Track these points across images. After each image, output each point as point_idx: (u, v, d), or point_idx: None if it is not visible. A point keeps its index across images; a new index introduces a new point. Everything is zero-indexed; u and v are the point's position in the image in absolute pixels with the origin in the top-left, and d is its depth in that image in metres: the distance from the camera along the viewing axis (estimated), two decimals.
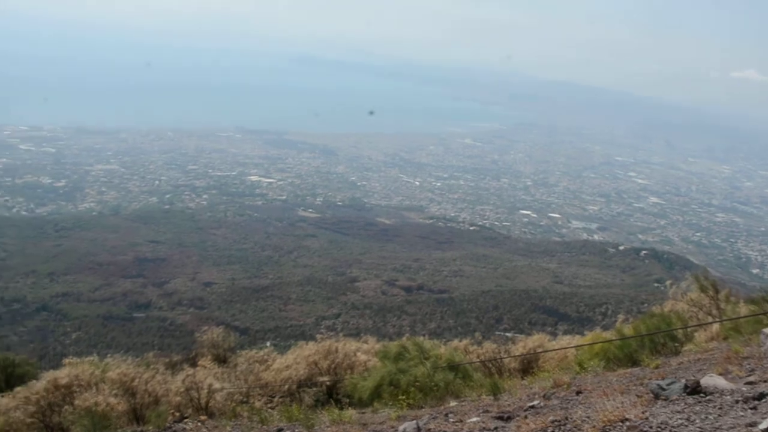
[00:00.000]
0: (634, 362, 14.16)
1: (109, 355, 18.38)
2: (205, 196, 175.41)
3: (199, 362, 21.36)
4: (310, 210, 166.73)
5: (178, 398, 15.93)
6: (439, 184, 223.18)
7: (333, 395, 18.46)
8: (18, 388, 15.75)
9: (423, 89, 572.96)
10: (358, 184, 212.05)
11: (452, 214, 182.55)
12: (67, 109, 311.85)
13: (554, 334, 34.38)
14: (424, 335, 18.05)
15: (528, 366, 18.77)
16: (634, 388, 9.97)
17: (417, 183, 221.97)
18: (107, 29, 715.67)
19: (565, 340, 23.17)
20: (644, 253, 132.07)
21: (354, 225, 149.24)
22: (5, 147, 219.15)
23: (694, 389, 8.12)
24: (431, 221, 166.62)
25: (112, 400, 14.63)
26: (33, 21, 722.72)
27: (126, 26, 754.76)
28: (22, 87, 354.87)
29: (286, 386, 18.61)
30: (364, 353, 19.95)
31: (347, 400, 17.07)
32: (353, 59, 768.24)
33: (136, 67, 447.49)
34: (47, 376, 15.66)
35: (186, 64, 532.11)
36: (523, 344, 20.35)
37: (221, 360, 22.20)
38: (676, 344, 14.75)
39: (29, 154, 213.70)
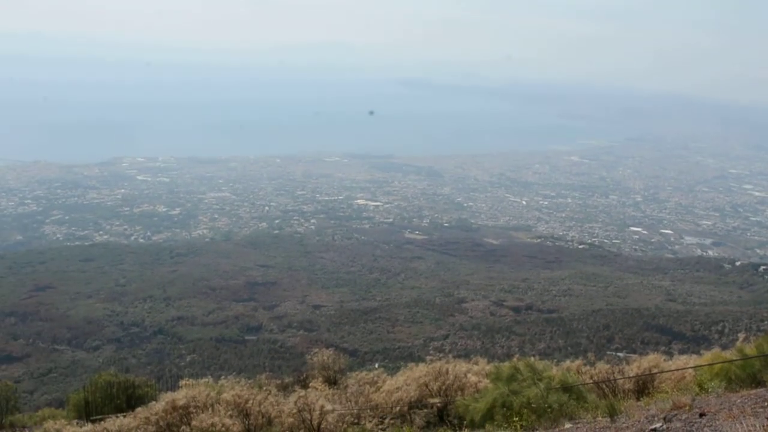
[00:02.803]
0: (758, 383, 13.51)
1: (222, 377, 18.73)
2: (313, 221, 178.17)
3: (310, 384, 21.53)
4: (417, 232, 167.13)
5: (290, 419, 16.04)
6: (546, 202, 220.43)
7: (444, 417, 18.28)
8: (138, 409, 16.21)
9: (526, 108, 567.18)
10: (465, 204, 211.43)
11: (560, 233, 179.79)
12: (179, 141, 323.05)
13: (669, 354, 33.26)
14: (533, 356, 17.66)
15: (643, 387, 18.16)
16: (761, 410, 9.49)
17: (524, 202, 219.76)
18: (214, 68, 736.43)
19: (682, 360, 22.34)
20: (763, 269, 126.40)
21: (461, 246, 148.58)
22: (124, 178, 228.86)
23: None
24: (539, 240, 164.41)
25: (228, 421, 14.86)
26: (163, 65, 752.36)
27: (232, 64, 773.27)
28: (139, 123, 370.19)
29: (397, 408, 18.53)
30: (474, 375, 19.69)
31: (459, 422, 16.87)
32: (456, 81, 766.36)
33: (246, 102, 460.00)
34: (165, 398, 16.06)
35: (296, 96, 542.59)
36: (638, 364, 19.70)
37: (332, 382, 22.32)
38: None
39: (146, 184, 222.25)
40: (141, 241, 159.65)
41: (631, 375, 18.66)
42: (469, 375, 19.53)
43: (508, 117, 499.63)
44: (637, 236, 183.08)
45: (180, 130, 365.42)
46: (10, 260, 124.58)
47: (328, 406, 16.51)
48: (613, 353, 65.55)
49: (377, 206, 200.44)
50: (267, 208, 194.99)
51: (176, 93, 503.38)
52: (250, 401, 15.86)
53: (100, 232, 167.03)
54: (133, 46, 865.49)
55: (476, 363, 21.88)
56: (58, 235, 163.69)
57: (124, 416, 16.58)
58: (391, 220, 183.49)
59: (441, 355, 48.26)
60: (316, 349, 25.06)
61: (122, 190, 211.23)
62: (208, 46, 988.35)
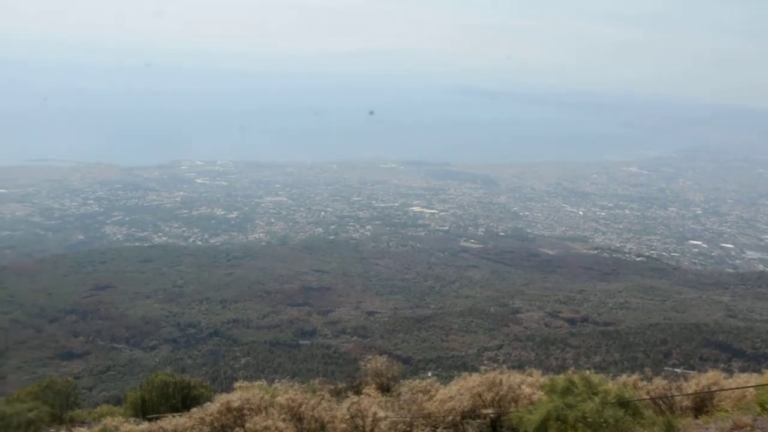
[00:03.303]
0: None
1: (276, 380, 18.85)
2: (368, 227, 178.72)
3: (363, 390, 21.55)
4: (472, 240, 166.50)
5: (343, 425, 16.09)
6: (603, 213, 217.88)
7: (497, 428, 18.16)
8: (194, 409, 16.39)
9: (581, 116, 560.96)
10: (521, 214, 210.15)
11: (617, 245, 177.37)
12: (237, 145, 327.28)
13: (729, 372, 32.54)
14: (588, 369, 17.42)
15: (701, 405, 17.81)
16: None
17: (580, 213, 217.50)
18: (270, 76, 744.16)
19: (742, 379, 21.81)
20: None
21: (516, 255, 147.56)
22: (183, 181, 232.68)
23: None
24: (596, 252, 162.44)
25: (281, 424, 14.96)
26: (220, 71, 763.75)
27: (290, 72, 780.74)
28: (198, 125, 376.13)
29: (450, 417, 18.45)
30: (528, 386, 19.51)
31: None
32: (506, 88, 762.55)
33: (302, 110, 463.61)
34: (220, 399, 16.21)
35: (350, 103, 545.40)
36: (696, 381, 19.30)
37: (385, 389, 22.32)
38: None
39: (204, 187, 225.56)
40: (199, 243, 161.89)
41: (689, 392, 18.32)
42: (523, 386, 19.36)
43: (563, 125, 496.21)
44: (696, 250, 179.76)
45: (238, 135, 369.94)
46: (72, 259, 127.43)
47: (381, 413, 16.52)
48: (671, 369, 64.45)
49: (433, 214, 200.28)
50: (323, 213, 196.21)
51: (236, 100, 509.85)
52: (304, 406, 15.94)
53: (159, 234, 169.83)
54: (194, 54, 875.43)
55: (530, 374, 21.68)
56: (119, 236, 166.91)
57: (180, 416, 16.79)
58: (446, 228, 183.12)
59: (495, 365, 48.05)
60: (370, 356, 25.07)
61: (181, 193, 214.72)
62: (263, 55, 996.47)
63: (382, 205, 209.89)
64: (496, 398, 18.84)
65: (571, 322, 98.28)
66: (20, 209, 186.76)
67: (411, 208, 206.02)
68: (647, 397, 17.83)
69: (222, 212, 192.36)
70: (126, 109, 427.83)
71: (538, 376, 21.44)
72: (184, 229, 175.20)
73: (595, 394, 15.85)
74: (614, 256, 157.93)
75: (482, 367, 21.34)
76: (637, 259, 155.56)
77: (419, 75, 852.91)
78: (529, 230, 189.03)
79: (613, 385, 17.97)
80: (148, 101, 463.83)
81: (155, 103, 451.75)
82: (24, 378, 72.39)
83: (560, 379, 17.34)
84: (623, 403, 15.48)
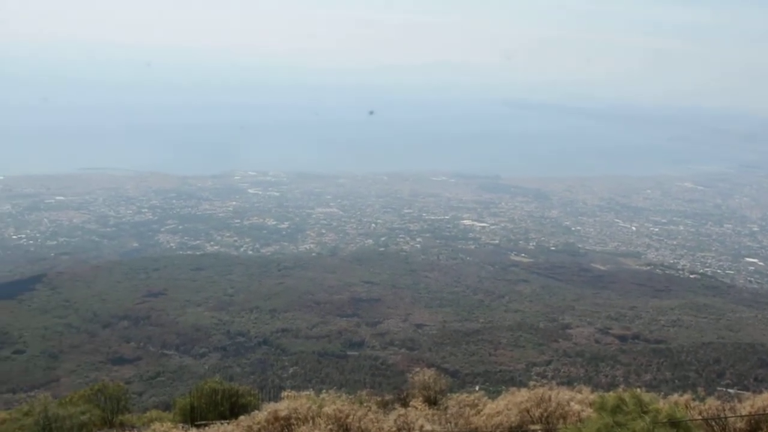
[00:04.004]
0: None
1: (323, 391, 18.88)
2: (419, 239, 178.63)
3: (411, 403, 21.48)
4: (523, 255, 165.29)
5: None
6: (656, 229, 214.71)
7: None
8: (241, 417, 16.49)
9: (632, 129, 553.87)
10: (572, 228, 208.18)
11: (671, 261, 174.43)
12: (290, 156, 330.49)
13: None
14: (639, 387, 17.14)
15: (756, 427, 17.39)
16: None
17: (633, 228, 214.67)
18: (324, 89, 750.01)
19: None
20: None
21: (567, 270, 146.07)
22: (236, 191, 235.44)
23: None
24: (648, 268, 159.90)
25: None
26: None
27: (341, 84, 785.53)
28: (253, 139, 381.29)
29: None
30: (577, 403, 19.26)
31: None
32: (555, 101, 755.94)
33: (356, 122, 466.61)
34: (268, 408, 16.28)
35: (401, 115, 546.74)
36: (751, 402, 18.87)
37: (432, 402, 22.22)
38: None
39: (256, 197, 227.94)
40: (250, 252, 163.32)
41: (743, 413, 17.92)
42: (572, 403, 19.11)
43: (611, 138, 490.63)
44: (752, 267, 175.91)
45: (290, 147, 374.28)
46: (126, 266, 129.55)
47: (428, 426, 16.43)
48: (724, 389, 63.10)
49: (483, 227, 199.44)
50: (373, 225, 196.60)
51: (287, 111, 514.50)
52: (351, 417, 15.93)
53: (211, 243, 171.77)
54: (257, 68, 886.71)
55: (580, 391, 21.39)
56: (172, 244, 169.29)
57: (228, 423, 16.91)
58: (497, 241, 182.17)
59: (543, 381, 47.46)
60: (418, 368, 25.03)
61: (234, 203, 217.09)
62: (321, 68, 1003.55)
63: (433, 217, 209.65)
64: (545, 414, 18.64)
65: (622, 338, 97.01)
66: (77, 216, 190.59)
67: (462, 221, 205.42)
68: (699, 417, 17.50)
69: (273, 222, 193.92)
70: (183, 122, 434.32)
71: (587, 393, 21.14)
72: (235, 238, 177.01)
73: (646, 413, 15.58)
74: (667, 272, 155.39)
75: (531, 383, 21.08)
76: (691, 276, 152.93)
77: (469, 88, 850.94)
78: (580, 245, 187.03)
79: (664, 404, 17.65)
80: (206, 114, 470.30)
81: (213, 115, 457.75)
82: (77, 381, 73.74)
83: (610, 396, 17.09)
84: (675, 423, 15.19)
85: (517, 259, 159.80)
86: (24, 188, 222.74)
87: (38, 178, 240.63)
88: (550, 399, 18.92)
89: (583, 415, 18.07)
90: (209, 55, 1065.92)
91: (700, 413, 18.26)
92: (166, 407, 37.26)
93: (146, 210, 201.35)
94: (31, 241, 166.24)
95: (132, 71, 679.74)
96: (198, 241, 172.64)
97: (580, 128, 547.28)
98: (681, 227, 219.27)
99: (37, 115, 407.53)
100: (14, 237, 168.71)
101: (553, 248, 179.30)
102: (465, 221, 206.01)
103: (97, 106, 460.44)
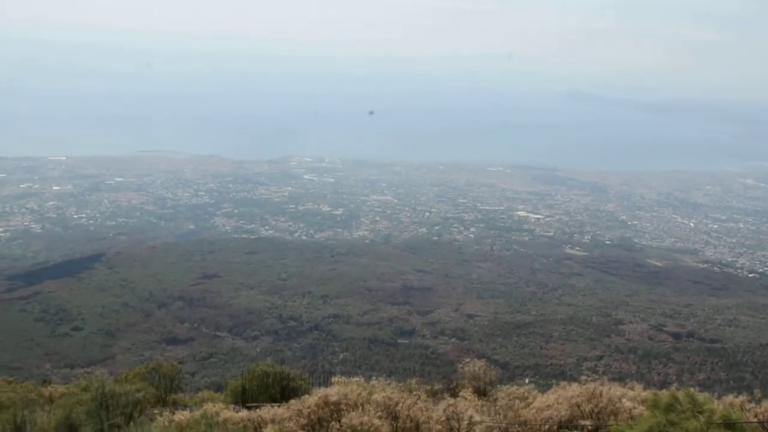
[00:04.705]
0: None
1: (373, 378, 18.93)
2: (472, 229, 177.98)
3: (460, 393, 21.43)
4: (577, 248, 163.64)
5: (438, 426, 16.02)
6: (715, 226, 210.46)
7: None
8: (292, 401, 16.61)
9: (690, 123, 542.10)
10: (629, 223, 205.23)
11: (729, 259, 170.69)
12: (347, 143, 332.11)
13: None
14: (692, 386, 16.84)
15: None
16: None
17: (691, 224, 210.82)
18: (381, 78, 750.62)
19: None
20: None
21: (622, 265, 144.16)
22: (292, 176, 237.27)
23: None
24: (705, 265, 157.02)
25: (377, 421, 15.00)
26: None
27: (402, 74, 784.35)
28: (311, 127, 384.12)
29: (546, 426, 18.17)
30: (629, 400, 19.01)
31: None
32: (609, 93, 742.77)
33: (413, 112, 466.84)
34: (318, 392, 16.37)
35: (459, 105, 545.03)
36: None
37: (481, 393, 22.14)
38: None
39: (312, 183, 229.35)
40: (304, 238, 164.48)
41: None
42: (623, 400, 18.87)
43: (670, 131, 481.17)
44: None
45: (345, 135, 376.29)
46: (182, 248, 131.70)
47: (477, 417, 16.38)
48: None
49: (538, 219, 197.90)
50: (428, 213, 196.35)
51: (352, 101, 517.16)
52: (400, 404, 15.94)
53: (266, 227, 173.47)
54: (317, 59, 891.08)
55: (632, 388, 21.12)
56: (227, 227, 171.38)
57: (278, 406, 17.04)
58: (551, 234, 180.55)
59: (594, 376, 46.98)
60: (468, 359, 24.96)
61: (289, 188, 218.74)
62: (377, 58, 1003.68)
63: (488, 208, 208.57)
64: (595, 410, 18.45)
65: (676, 336, 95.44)
66: (136, 197, 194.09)
67: (516, 213, 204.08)
68: (755, 420, 17.15)
69: (328, 209, 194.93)
70: (244, 110, 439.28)
71: (639, 390, 20.85)
72: (290, 223, 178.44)
73: (700, 413, 15.33)
74: (725, 270, 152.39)
75: (582, 378, 20.86)
76: (750, 275, 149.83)
77: (526, 78, 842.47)
78: (636, 240, 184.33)
79: (718, 404, 17.34)
80: (269, 102, 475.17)
81: (276, 103, 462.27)
82: (131, 359, 75.31)
83: (664, 394, 16.84)
84: (729, 425, 14.92)
85: (572, 252, 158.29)
86: (86, 169, 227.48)
87: (99, 159, 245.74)
88: (601, 395, 18.72)
89: (635, 412, 17.85)
90: (276, 45, 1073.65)
91: (755, 416, 17.90)
92: (218, 388, 37.78)
93: (203, 193, 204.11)
94: (91, 221, 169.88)
95: (203, 62, 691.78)
96: (253, 225, 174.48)
97: (635, 120, 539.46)
98: (741, 225, 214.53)
99: (104, 102, 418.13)
100: (75, 216, 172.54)
101: (608, 242, 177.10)
102: (519, 212, 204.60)
103: (163, 95, 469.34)
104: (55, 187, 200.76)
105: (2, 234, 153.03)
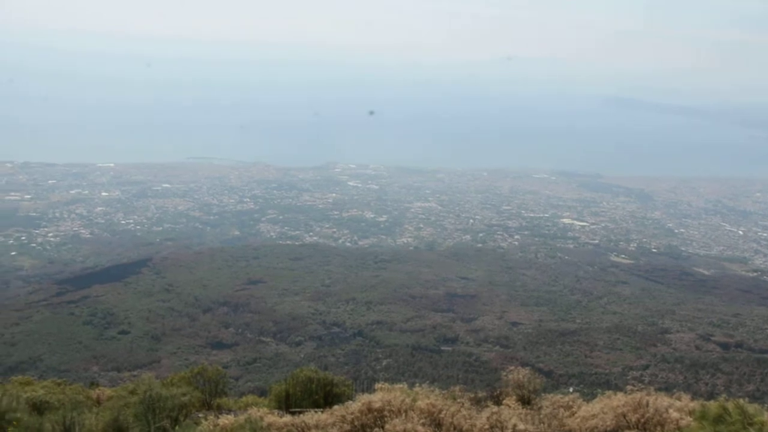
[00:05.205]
0: None
1: (416, 384, 18.90)
2: (516, 237, 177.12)
3: (504, 401, 21.31)
4: (623, 256, 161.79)
5: None
6: (766, 234, 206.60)
7: None
8: (335, 407, 16.66)
9: (737, 129, 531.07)
10: (675, 231, 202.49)
11: None
12: (390, 150, 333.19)
13: None
14: (741, 397, 16.53)
15: None
16: None
17: (740, 232, 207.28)
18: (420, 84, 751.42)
19: None
20: None
21: (669, 274, 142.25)
22: (336, 183, 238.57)
23: None
24: (755, 274, 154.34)
25: (420, 428, 14.99)
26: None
27: (439, 80, 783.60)
28: (353, 133, 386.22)
29: None
30: (676, 410, 18.75)
31: None
32: (653, 97, 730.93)
33: (452, 118, 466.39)
34: (362, 399, 16.40)
35: (498, 110, 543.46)
36: None
37: (525, 401, 21.99)
38: None
39: (356, 190, 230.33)
40: (348, 244, 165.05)
41: None
42: (670, 410, 18.61)
43: (715, 136, 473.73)
44: None
45: (390, 141, 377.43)
46: (227, 253, 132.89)
47: (521, 426, 16.29)
48: None
49: (583, 226, 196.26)
50: (471, 220, 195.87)
51: (393, 107, 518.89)
52: (444, 412, 15.92)
53: (310, 233, 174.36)
54: (356, 66, 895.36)
55: (679, 398, 20.78)
56: (272, 233, 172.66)
57: (322, 412, 17.11)
58: (596, 241, 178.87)
59: (640, 385, 46.51)
60: (512, 367, 24.80)
61: (333, 195, 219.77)
62: (413, 63, 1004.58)
63: (532, 215, 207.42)
64: (642, 420, 18.23)
65: (724, 346, 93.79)
66: (182, 203, 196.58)
67: (561, 220, 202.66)
68: None
69: (372, 215, 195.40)
70: (288, 117, 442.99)
71: (686, 401, 20.54)
72: (334, 230, 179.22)
73: (751, 424, 15.06)
74: None
75: (627, 387, 20.60)
76: None
77: (567, 83, 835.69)
78: (683, 248, 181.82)
79: None
80: (317, 109, 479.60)
81: (323, 109, 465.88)
82: (177, 363, 76.14)
83: (712, 405, 16.58)
84: None
85: (617, 260, 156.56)
86: (133, 175, 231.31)
87: (147, 166, 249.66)
88: (647, 404, 18.50)
89: (682, 423, 17.59)
90: (322, 53, 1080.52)
91: None
92: (262, 393, 38.09)
93: (248, 199, 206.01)
94: (138, 226, 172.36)
95: (254, 70, 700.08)
96: (297, 232, 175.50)
97: (674, 124, 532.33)
98: None
99: (152, 111, 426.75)
100: (123, 222, 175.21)
101: (654, 250, 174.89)
102: (564, 220, 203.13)
103: (207, 103, 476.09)
104: (103, 193, 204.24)
105: (53, 239, 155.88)
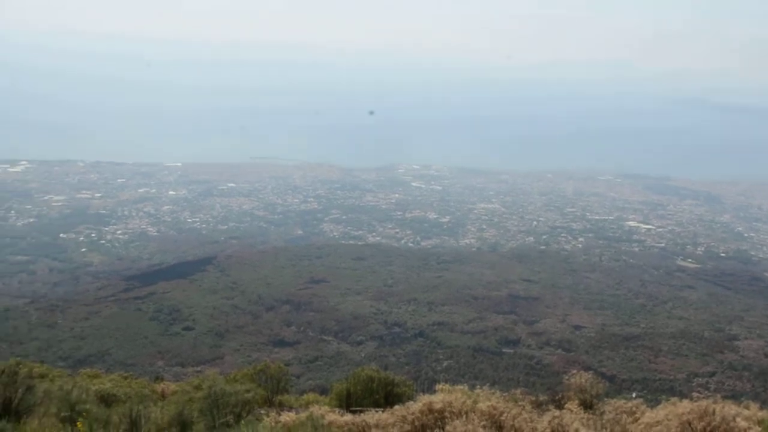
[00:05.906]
0: None
1: (477, 386, 18.88)
2: (580, 239, 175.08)
3: (565, 405, 21.14)
4: (690, 260, 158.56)
5: None
6: None
7: None
8: (396, 407, 16.71)
9: None
10: (745, 235, 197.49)
11: None
12: (454, 151, 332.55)
13: None
14: None
15: None
16: None
17: None
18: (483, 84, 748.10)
19: None
20: None
21: (738, 279, 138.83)
22: (399, 183, 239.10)
23: None
24: None
25: (481, 430, 14.97)
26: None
27: (501, 81, 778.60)
28: (417, 134, 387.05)
29: None
30: (744, 419, 18.36)
31: None
32: (707, 96, 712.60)
33: (517, 119, 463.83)
34: (422, 399, 16.43)
35: (561, 112, 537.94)
36: None
37: (587, 406, 21.77)
38: None
39: (419, 191, 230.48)
40: (410, 245, 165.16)
41: None
42: (738, 419, 18.22)
43: None
44: None
45: (454, 143, 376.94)
46: (291, 253, 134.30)
47: (583, 431, 16.17)
48: None
49: (649, 229, 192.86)
50: (535, 222, 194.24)
51: (449, 109, 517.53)
52: (505, 415, 15.85)
53: (373, 234, 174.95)
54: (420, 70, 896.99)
55: (747, 407, 20.35)
56: (335, 233, 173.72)
57: (382, 411, 17.17)
58: (662, 245, 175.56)
59: (706, 393, 45.50)
60: (574, 370, 24.57)
61: (396, 195, 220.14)
62: (472, 66, 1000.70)
63: (596, 217, 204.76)
64: (708, 428, 17.89)
65: None
66: (246, 203, 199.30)
67: (626, 223, 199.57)
68: None
69: (434, 216, 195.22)
70: (352, 119, 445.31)
71: (755, 410, 20.09)
72: (397, 230, 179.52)
73: None
74: None
75: (693, 394, 20.23)
76: None
77: (630, 84, 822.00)
78: (753, 253, 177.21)
79: None
80: (377, 111, 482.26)
81: (382, 112, 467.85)
82: (239, 360, 77.30)
83: None
84: None
85: (684, 264, 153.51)
86: (199, 175, 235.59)
87: (212, 166, 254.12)
88: (714, 413, 18.14)
89: None
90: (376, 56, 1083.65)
91: None
92: (323, 391, 38.38)
93: (312, 199, 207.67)
94: (203, 225, 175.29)
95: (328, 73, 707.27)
96: (360, 232, 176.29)
97: (735, 124, 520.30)
98: None
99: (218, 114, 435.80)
100: (189, 220, 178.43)
101: (722, 255, 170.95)
102: (630, 223, 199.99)
103: (271, 107, 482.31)
104: (170, 192, 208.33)
105: (121, 236, 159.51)
